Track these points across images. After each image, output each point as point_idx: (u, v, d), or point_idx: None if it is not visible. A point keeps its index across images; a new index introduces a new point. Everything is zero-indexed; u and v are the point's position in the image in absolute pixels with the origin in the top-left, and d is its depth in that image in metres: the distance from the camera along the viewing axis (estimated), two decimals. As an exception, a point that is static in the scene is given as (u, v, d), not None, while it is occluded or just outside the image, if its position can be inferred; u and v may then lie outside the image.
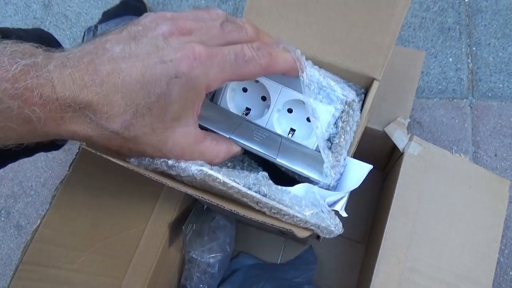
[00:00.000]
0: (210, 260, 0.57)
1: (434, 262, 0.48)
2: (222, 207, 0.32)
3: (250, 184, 0.33)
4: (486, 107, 0.70)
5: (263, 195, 0.33)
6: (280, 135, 0.38)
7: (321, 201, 0.36)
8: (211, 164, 0.34)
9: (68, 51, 0.27)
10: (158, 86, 0.26)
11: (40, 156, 0.81)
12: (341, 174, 0.40)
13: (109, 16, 0.79)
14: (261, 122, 0.39)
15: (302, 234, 0.33)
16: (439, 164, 0.51)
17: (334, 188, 0.39)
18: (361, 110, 0.45)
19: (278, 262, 0.66)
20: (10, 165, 0.50)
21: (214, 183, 0.32)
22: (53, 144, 0.54)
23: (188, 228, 0.55)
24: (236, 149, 0.35)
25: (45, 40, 0.52)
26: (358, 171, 0.39)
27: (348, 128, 0.39)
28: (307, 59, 0.47)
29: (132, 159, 0.32)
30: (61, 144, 0.55)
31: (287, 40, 0.35)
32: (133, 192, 0.49)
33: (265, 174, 0.36)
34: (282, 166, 0.38)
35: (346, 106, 0.38)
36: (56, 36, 0.90)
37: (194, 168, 0.31)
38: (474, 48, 0.73)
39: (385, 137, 0.54)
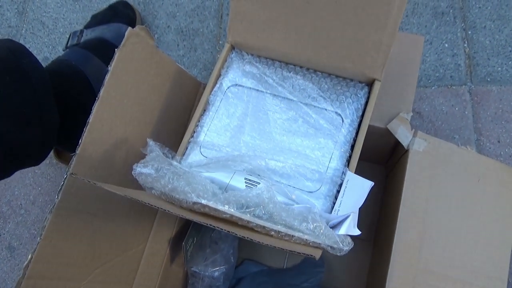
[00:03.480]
0: (215, 273, 0.55)
1: (447, 261, 0.47)
2: (232, 233, 0.30)
3: (253, 206, 0.31)
4: (485, 92, 0.68)
5: (268, 218, 0.31)
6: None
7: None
8: None
9: None
10: None
11: (28, 172, 0.77)
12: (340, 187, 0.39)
13: (96, 21, 0.75)
14: None
15: (315, 252, 0.31)
16: (446, 159, 0.49)
17: (332, 209, 0.37)
18: (363, 109, 0.42)
19: (284, 267, 0.64)
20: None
21: (216, 213, 0.30)
22: (32, 160, 0.51)
23: (189, 242, 0.52)
24: None
25: (16, 52, 0.48)
26: (360, 189, 0.37)
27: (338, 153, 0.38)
28: (301, 63, 0.45)
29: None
30: (41, 158, 0.52)
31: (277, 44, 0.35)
32: (129, 212, 0.46)
33: (268, 187, 0.34)
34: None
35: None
36: (33, 45, 0.85)
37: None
38: (469, 32, 0.71)
39: (388, 134, 0.51)
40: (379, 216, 0.63)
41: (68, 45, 0.72)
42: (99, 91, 0.40)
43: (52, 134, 0.51)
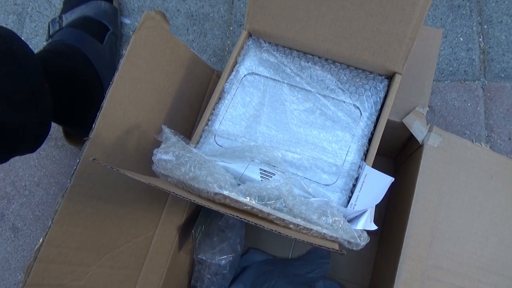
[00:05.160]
0: (222, 261, 0.55)
1: (456, 257, 0.47)
2: (252, 223, 0.29)
3: (273, 198, 0.31)
4: (499, 88, 0.67)
5: (288, 211, 0.31)
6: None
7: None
8: None
9: None
10: None
11: (32, 154, 0.76)
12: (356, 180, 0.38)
13: (72, 4, 0.73)
14: None
15: (332, 246, 0.31)
16: (460, 155, 0.49)
17: (348, 203, 0.37)
18: (382, 103, 0.42)
19: (289, 257, 0.64)
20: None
21: (237, 205, 0.30)
22: (27, 146, 0.50)
23: (198, 230, 0.52)
24: None
25: (6, 37, 0.46)
26: (378, 184, 0.37)
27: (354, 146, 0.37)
28: (320, 53, 0.44)
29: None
30: (36, 145, 0.52)
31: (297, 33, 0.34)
32: (140, 198, 0.45)
33: (285, 180, 0.33)
34: None
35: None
36: (39, 23, 0.84)
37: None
38: (485, 26, 0.70)
39: (402, 128, 0.51)
40: (386, 209, 0.63)
41: (51, 33, 0.70)
42: (114, 75, 0.39)
43: (46, 119, 0.50)
